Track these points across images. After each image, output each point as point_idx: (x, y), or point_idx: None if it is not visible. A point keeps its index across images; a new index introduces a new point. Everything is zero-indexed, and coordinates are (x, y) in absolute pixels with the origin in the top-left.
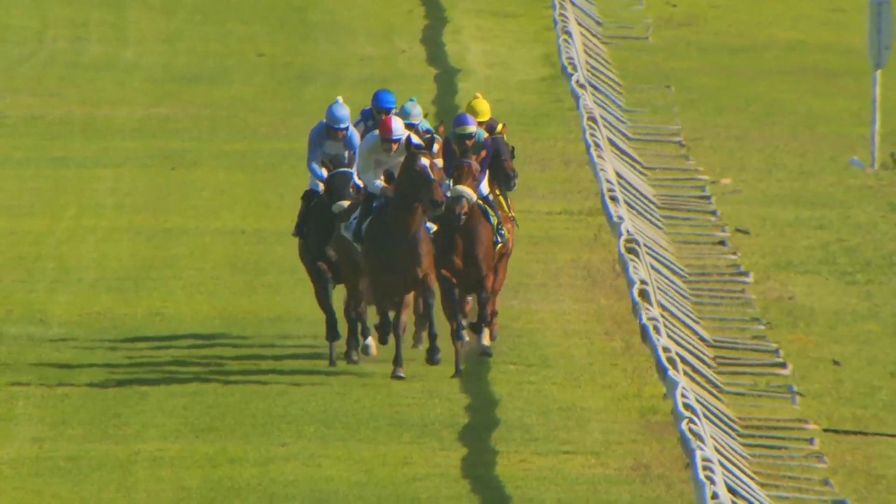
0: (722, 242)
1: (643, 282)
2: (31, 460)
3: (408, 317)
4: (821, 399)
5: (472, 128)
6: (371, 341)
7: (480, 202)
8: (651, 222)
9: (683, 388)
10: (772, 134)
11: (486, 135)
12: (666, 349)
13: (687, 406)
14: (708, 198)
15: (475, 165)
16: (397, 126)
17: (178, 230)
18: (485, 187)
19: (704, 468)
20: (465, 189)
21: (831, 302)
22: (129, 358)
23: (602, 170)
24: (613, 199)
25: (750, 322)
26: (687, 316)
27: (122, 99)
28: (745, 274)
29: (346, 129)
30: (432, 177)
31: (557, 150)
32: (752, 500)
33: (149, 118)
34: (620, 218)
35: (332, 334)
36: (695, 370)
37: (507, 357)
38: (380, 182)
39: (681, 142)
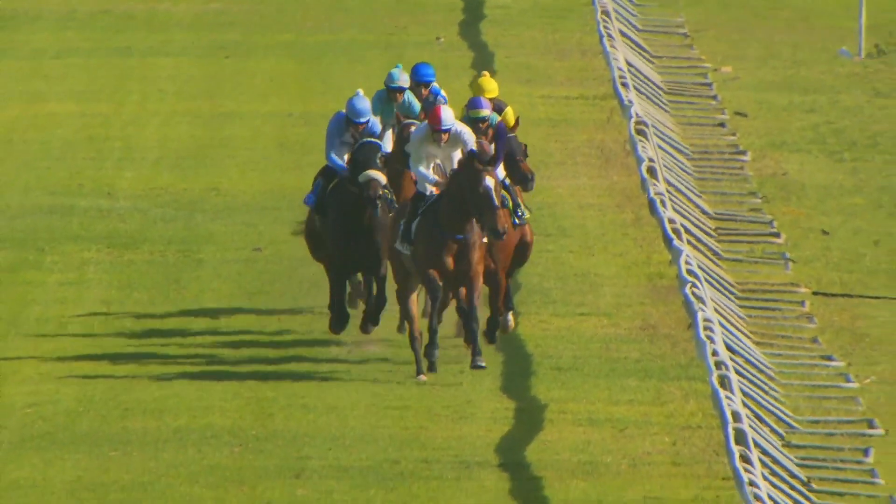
0: (722, 124)
1: (651, 160)
2: (100, 321)
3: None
4: (811, 265)
5: (486, 111)
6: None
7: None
8: (658, 106)
9: (687, 256)
10: (769, 26)
11: (498, 119)
12: (671, 221)
13: (690, 272)
14: (710, 84)
15: (486, 145)
16: (447, 116)
17: (232, 114)
18: (500, 171)
19: (705, 328)
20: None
21: (821, 178)
22: (187, 229)
23: (614, 59)
24: (624, 84)
25: (747, 196)
26: (690, 191)
27: None
28: (743, 153)
29: (367, 122)
30: (496, 203)
31: (575, 41)
32: (748, 356)
33: (205, 12)
34: (630, 102)
35: (337, 325)
36: (697, 239)
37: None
38: (434, 176)
39: (686, 33)
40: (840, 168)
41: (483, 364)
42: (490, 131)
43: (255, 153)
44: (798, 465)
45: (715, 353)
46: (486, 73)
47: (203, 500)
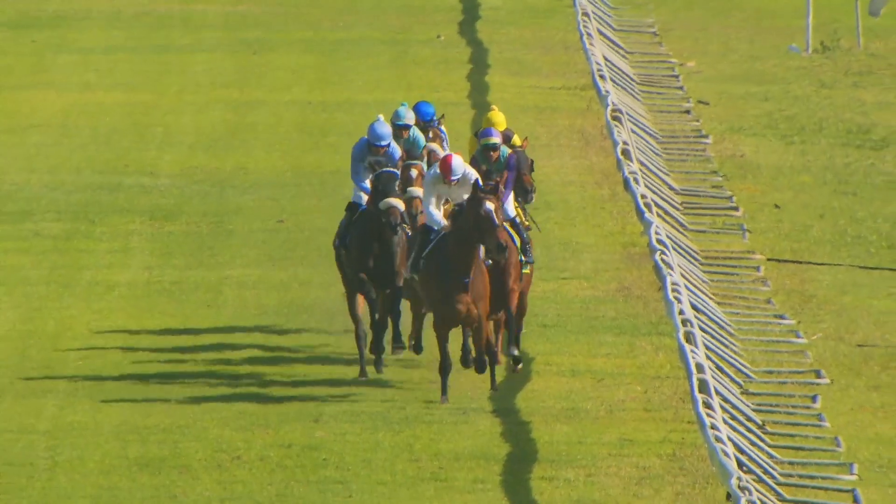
0: (687, 111)
1: (625, 143)
2: (143, 284)
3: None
4: (765, 235)
5: (497, 139)
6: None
7: (507, 225)
8: (631, 95)
9: (657, 227)
10: (727, 26)
11: (509, 151)
12: (643, 196)
13: (659, 241)
14: (676, 76)
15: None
16: (457, 165)
17: (258, 102)
18: (510, 208)
19: (673, 290)
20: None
21: (773, 158)
22: (219, 203)
23: (592, 54)
24: (602, 77)
25: (709, 175)
26: (659, 170)
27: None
28: (706, 136)
29: (388, 145)
30: (497, 222)
31: (558, 39)
32: (711, 315)
33: (234, 13)
34: (607, 92)
35: (360, 343)
36: (666, 212)
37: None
38: (442, 219)
39: (655, 32)
40: (790, 150)
41: (446, 401)
42: (495, 154)
43: (278, 136)
44: (754, 410)
45: (681, 312)
46: (494, 107)
47: (233, 441)
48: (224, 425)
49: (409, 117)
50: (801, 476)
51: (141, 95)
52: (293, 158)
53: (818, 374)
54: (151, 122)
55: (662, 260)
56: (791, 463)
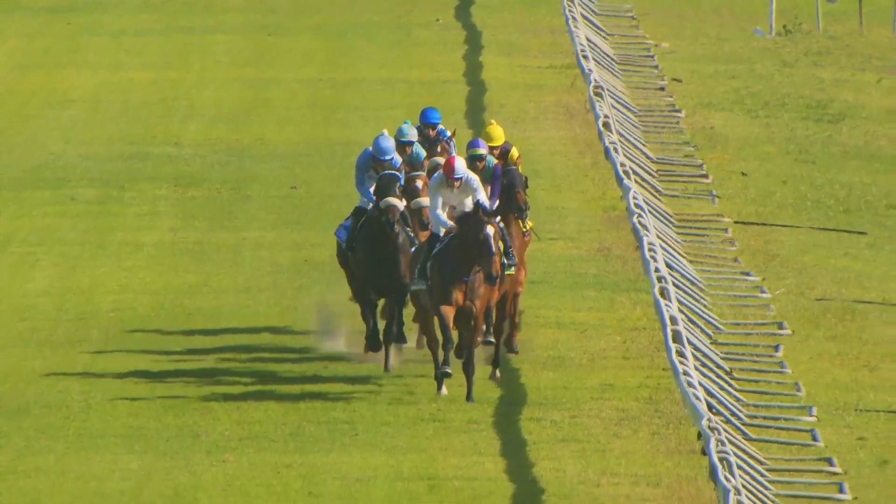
0: (662, 88)
1: (606, 116)
2: (168, 244)
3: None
4: (732, 200)
5: (483, 150)
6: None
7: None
8: (612, 73)
9: (634, 193)
10: (699, 10)
11: (495, 161)
12: (622, 164)
13: (637, 205)
14: (652, 56)
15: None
16: (459, 166)
17: (273, 79)
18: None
19: (649, 250)
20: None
21: (740, 131)
22: (238, 171)
23: (577, 36)
24: (585, 57)
25: (682, 145)
26: (637, 140)
27: None
28: (679, 111)
29: (391, 159)
30: (493, 250)
31: (546, 22)
32: (683, 272)
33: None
34: (590, 70)
35: (373, 345)
36: (642, 179)
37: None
38: (448, 221)
39: (633, 16)
40: (755, 123)
41: (450, 371)
42: (481, 164)
43: (292, 111)
44: (723, 358)
45: (657, 270)
46: (493, 121)
47: (251, 391)
48: (241, 371)
49: (413, 134)
50: (765, 418)
51: (167, 73)
52: (305, 131)
53: (780, 326)
54: (176, 98)
55: (640, 222)
56: (756, 406)
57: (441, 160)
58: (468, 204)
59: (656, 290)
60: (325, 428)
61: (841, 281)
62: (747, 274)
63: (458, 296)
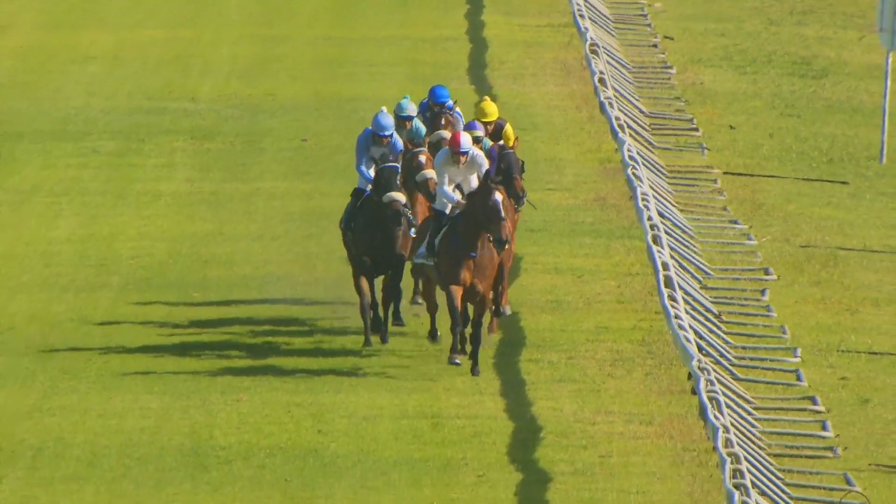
0: (655, 45)
1: (601, 72)
2: (185, 194)
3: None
4: (721, 152)
5: (479, 132)
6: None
7: None
8: (607, 31)
9: (629, 145)
10: None
11: (490, 143)
12: (617, 118)
13: (631, 157)
14: (645, 15)
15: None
16: (465, 141)
17: (284, 37)
18: None
19: (643, 199)
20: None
21: (729, 86)
22: (251, 124)
23: None
24: (581, 16)
25: (673, 100)
26: (631, 95)
27: None
28: (671, 67)
29: (391, 135)
30: (503, 214)
31: None
32: (675, 220)
33: None
34: (586, 29)
35: (364, 314)
36: (636, 132)
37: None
38: (455, 196)
39: None
40: (743, 79)
41: (458, 362)
42: (477, 146)
43: (301, 67)
44: (712, 302)
45: (650, 218)
46: (486, 97)
47: (265, 332)
48: (255, 315)
49: (412, 109)
50: (751, 359)
51: (183, 32)
52: (314, 86)
53: (767, 272)
54: (192, 55)
55: (633, 173)
56: (743, 347)
57: (446, 133)
58: (473, 181)
59: (649, 238)
60: (334, 370)
61: (824, 229)
62: (735, 222)
63: (465, 275)
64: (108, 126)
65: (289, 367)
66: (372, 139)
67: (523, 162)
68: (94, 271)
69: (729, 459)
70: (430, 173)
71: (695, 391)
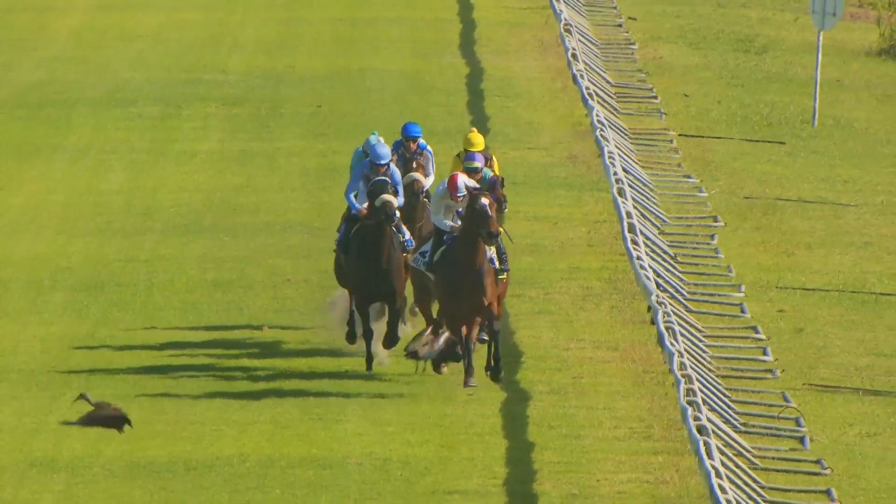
0: (620, 25)
1: (574, 49)
2: (217, 152)
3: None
4: (676, 116)
5: (479, 164)
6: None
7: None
8: (578, 13)
9: (597, 111)
10: None
11: (491, 173)
12: (587, 88)
13: (599, 121)
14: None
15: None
16: (461, 184)
17: (303, 18)
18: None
19: (609, 157)
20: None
21: (683, 60)
22: (273, 93)
23: None
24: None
25: (636, 72)
26: (599, 69)
27: None
28: (633, 44)
29: (388, 164)
30: (490, 214)
31: None
32: (636, 175)
33: None
34: (561, 11)
35: (350, 338)
36: (603, 100)
37: (496, 91)
38: (450, 223)
39: None
40: (696, 53)
41: (475, 384)
42: (477, 176)
43: (318, 44)
44: (669, 245)
45: (615, 174)
46: (473, 129)
47: (284, 268)
48: (277, 255)
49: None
50: (703, 294)
51: (216, 14)
52: (329, 60)
53: (715, 219)
54: (223, 34)
55: (601, 135)
56: (695, 284)
57: (418, 175)
58: None
59: (614, 190)
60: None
61: (764, 182)
62: (688, 177)
63: (464, 297)
64: (151, 94)
65: (307, 300)
66: (370, 169)
67: (503, 178)
68: (139, 218)
69: (683, 380)
70: (417, 175)
71: (653, 322)
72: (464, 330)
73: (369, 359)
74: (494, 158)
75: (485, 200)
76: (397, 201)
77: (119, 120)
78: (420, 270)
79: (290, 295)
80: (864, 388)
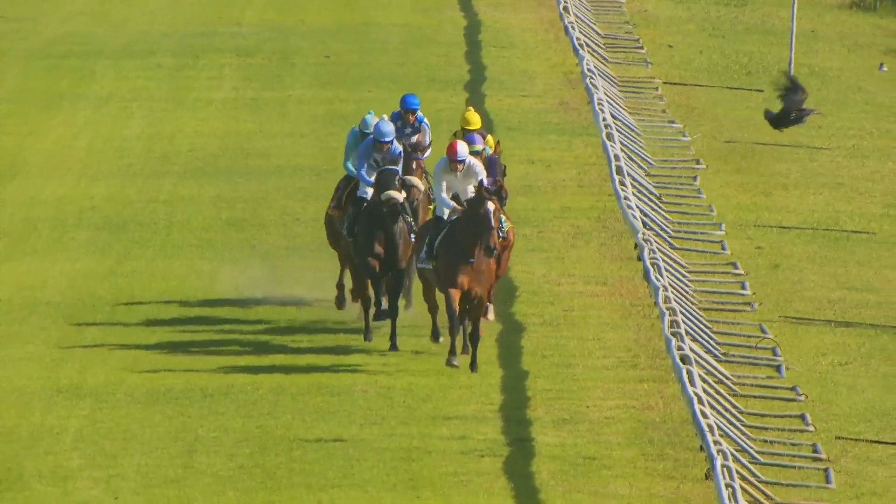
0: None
1: (565, 2)
2: (231, 100)
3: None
4: (662, 66)
5: (479, 146)
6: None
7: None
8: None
9: (587, 60)
10: None
11: (491, 151)
12: (578, 39)
13: (589, 70)
14: None
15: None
16: (462, 149)
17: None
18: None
19: (598, 103)
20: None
21: (667, 13)
22: (284, 45)
23: None
24: None
25: (623, 24)
26: (589, 21)
27: None
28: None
29: (391, 141)
30: (492, 224)
31: None
32: (623, 120)
33: None
34: None
35: (366, 315)
36: (593, 51)
37: (492, 42)
38: (453, 203)
39: None
40: (679, 6)
41: (457, 364)
42: (478, 158)
43: (325, 17)
44: (655, 186)
45: (604, 119)
46: (470, 108)
47: (294, 208)
48: (287, 196)
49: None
50: (686, 231)
51: None
52: (335, 15)
53: (698, 162)
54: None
55: (591, 83)
56: (679, 223)
57: (415, 181)
58: (470, 190)
59: (604, 135)
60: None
61: (744, 127)
62: (672, 122)
63: (463, 279)
64: (169, 46)
65: (315, 236)
66: (373, 147)
67: (505, 166)
68: (158, 162)
69: (667, 313)
70: (415, 180)
71: (640, 258)
72: (457, 307)
73: (368, 329)
74: (491, 138)
75: (490, 206)
76: (401, 196)
77: (139, 70)
78: (425, 268)
79: (299, 233)
80: (836, 320)
